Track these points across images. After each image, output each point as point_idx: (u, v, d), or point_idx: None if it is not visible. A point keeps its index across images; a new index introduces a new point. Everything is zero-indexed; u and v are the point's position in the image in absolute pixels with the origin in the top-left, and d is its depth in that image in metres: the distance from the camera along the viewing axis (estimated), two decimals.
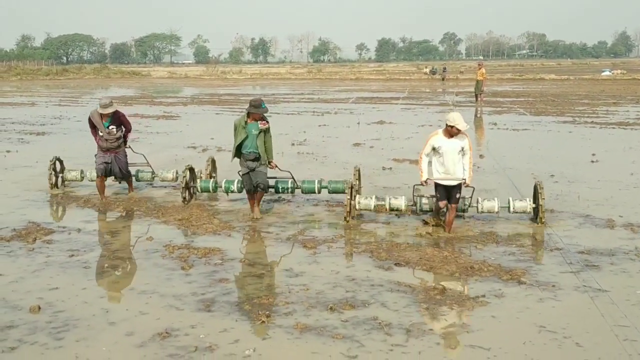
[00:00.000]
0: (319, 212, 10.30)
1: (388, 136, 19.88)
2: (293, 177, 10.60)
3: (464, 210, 9.54)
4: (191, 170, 10.84)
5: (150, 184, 12.47)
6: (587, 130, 21.28)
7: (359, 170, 10.86)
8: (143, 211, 10.37)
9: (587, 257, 7.89)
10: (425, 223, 9.41)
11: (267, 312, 6.17)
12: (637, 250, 8.14)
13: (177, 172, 11.97)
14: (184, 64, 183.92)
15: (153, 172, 12.07)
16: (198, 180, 10.92)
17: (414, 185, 9.55)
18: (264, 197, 10.38)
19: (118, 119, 11.10)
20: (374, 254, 8.02)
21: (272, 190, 10.57)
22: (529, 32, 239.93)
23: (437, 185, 9.04)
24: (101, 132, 10.99)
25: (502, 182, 12.38)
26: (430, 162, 9.04)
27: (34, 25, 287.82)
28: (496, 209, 9.43)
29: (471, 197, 9.44)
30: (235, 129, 9.70)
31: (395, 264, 7.64)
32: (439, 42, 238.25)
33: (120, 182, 11.84)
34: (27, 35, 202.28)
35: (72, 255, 8.16)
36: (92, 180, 11.61)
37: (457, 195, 8.98)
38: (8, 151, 17.18)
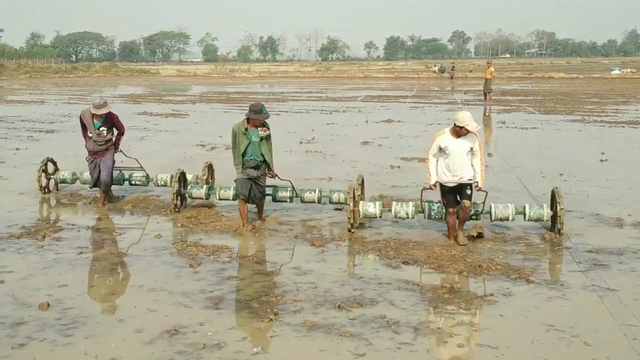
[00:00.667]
0: (327, 208, 10.28)
1: (396, 135, 19.86)
2: (293, 187, 9.93)
3: (476, 218, 8.86)
4: (182, 175, 10.24)
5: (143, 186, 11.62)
6: (597, 129, 21.20)
7: (362, 179, 9.89)
8: (152, 209, 10.40)
9: (595, 256, 7.86)
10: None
11: (275, 310, 6.18)
12: None
13: (172, 176, 10.85)
14: (192, 62, 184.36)
15: (147, 177, 11.31)
16: (190, 187, 10.29)
17: (422, 189, 9.01)
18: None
19: (110, 121, 10.46)
20: (381, 252, 8.02)
21: (270, 198, 9.92)
22: (539, 31, 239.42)
23: (443, 191, 8.45)
24: (90, 133, 10.35)
25: (511, 181, 12.35)
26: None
27: (44, 23, 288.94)
28: (511, 217, 8.77)
29: (484, 203, 8.78)
30: (235, 135, 9.08)
31: (403, 263, 7.64)
32: (448, 40, 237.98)
33: (91, 187, 10.92)
34: (37, 33, 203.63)
35: (81, 253, 8.19)
36: (84, 183, 11.17)
37: (468, 191, 8.32)
38: (17, 149, 17.26)
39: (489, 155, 15.45)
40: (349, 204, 8.77)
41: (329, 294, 6.68)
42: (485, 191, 8.51)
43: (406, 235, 8.87)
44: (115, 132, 10.63)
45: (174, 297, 6.62)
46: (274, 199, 9.91)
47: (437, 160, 8.41)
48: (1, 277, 7.21)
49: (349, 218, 8.76)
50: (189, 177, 11.02)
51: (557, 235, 8.53)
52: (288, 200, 9.93)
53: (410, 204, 9.10)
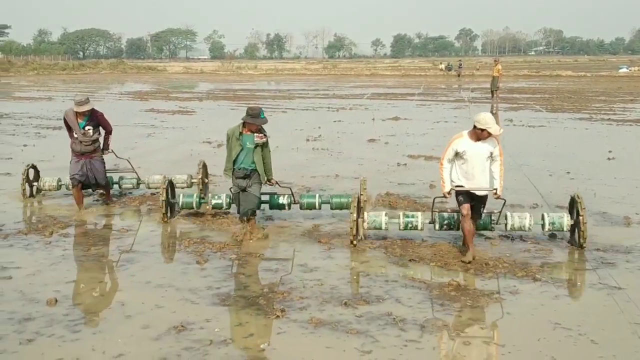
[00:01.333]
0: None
1: (403, 132, 19.83)
2: (292, 193, 9.46)
3: (490, 229, 8.32)
4: (170, 184, 9.62)
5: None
6: (604, 127, 21.14)
7: (365, 183, 9.45)
8: (159, 206, 10.39)
9: (603, 254, 7.84)
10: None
11: (282, 307, 6.19)
12: None
13: (165, 178, 10.25)
14: (199, 59, 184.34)
15: (139, 179, 11.02)
16: (180, 197, 9.58)
17: (434, 199, 8.30)
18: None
19: (95, 119, 9.95)
20: (388, 250, 8.02)
21: (266, 205, 9.42)
22: (546, 29, 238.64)
23: (458, 192, 7.76)
24: (76, 133, 9.85)
25: (518, 179, 12.31)
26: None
27: (51, 20, 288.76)
28: (527, 227, 8.16)
29: (500, 212, 8.18)
30: (228, 140, 8.47)
31: (410, 260, 7.64)
32: (455, 38, 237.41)
33: (93, 191, 10.68)
34: (44, 30, 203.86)
35: (89, 249, 8.22)
36: (69, 189, 10.53)
37: (482, 210, 7.92)
38: (25, 145, 17.33)
39: None
40: (352, 213, 8.10)
41: (336, 291, 6.69)
42: (503, 199, 7.90)
43: (413, 233, 8.86)
44: (103, 131, 10.18)
45: (181, 293, 6.64)
46: (272, 207, 9.40)
47: (451, 166, 7.73)
48: (9, 273, 7.24)
49: (351, 229, 8.08)
50: (183, 177, 10.86)
51: (579, 248, 7.89)
52: (286, 207, 9.36)
53: (419, 214, 8.38)
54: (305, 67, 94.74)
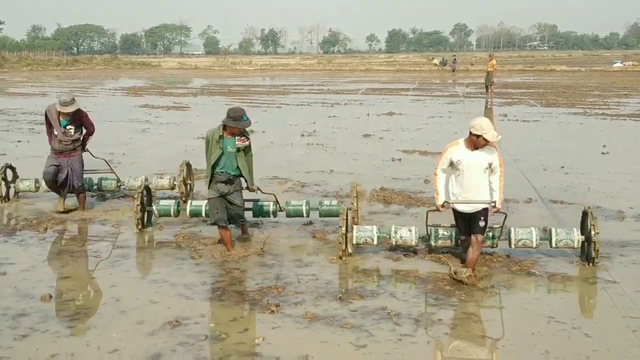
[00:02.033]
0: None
1: (398, 127, 19.84)
2: (277, 200, 8.76)
3: (492, 245, 7.50)
4: (147, 189, 8.96)
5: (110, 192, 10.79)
6: (598, 122, 21.17)
7: (356, 191, 8.90)
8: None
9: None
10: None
11: (277, 302, 6.19)
12: None
13: (145, 179, 10.15)
14: (194, 54, 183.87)
15: (118, 180, 10.49)
16: (156, 203, 8.97)
17: (427, 211, 7.54)
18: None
19: (79, 119, 9.46)
20: (382, 244, 8.01)
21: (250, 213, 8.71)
22: (540, 24, 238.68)
23: (455, 214, 7.12)
24: (56, 131, 9.35)
25: (513, 174, 12.31)
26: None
27: (45, 16, 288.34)
28: (534, 243, 7.31)
29: (502, 227, 7.41)
30: (208, 143, 7.67)
31: (404, 255, 7.64)
32: (450, 33, 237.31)
33: (65, 192, 9.75)
34: (38, 25, 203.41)
35: (83, 245, 8.22)
36: (48, 191, 10.07)
37: (482, 223, 6.89)
38: (19, 141, 17.29)
39: None
40: (340, 227, 7.41)
41: (330, 285, 6.70)
42: (504, 213, 7.27)
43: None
44: (84, 131, 9.66)
45: (176, 288, 6.64)
46: (255, 215, 8.77)
47: (446, 176, 7.00)
48: (3, 269, 7.23)
49: (339, 243, 7.44)
50: (165, 179, 10.39)
51: (591, 265, 7.14)
52: (272, 216, 8.76)
53: (414, 229, 7.57)
54: (300, 63, 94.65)
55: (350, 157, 14.41)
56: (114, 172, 10.58)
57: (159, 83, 48.41)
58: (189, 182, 10.50)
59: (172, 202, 8.93)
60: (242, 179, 7.84)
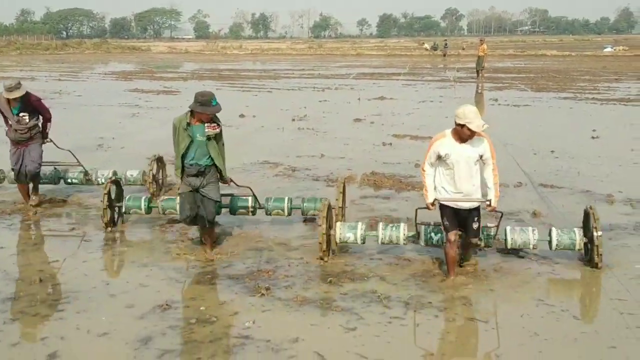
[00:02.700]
0: (318, 186, 10.28)
1: (388, 112, 19.82)
2: (254, 195, 8.07)
3: (487, 246, 7.03)
4: (116, 184, 8.48)
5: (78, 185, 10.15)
6: (588, 106, 21.22)
7: (344, 185, 8.11)
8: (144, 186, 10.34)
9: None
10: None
11: (267, 285, 6.20)
12: (637, 225, 8.16)
13: (115, 173, 9.69)
14: (184, 39, 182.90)
15: (86, 173, 9.85)
16: (126, 199, 8.26)
17: (416, 209, 6.98)
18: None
19: (31, 105, 8.89)
20: (372, 228, 8.01)
21: (226, 210, 8.13)
22: (531, 8, 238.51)
23: (443, 209, 6.42)
24: (10, 120, 8.84)
25: (502, 158, 12.31)
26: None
27: (33, 0, 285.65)
28: (532, 244, 6.87)
29: (497, 227, 6.89)
30: (175, 131, 6.94)
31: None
32: (441, 17, 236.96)
33: (26, 182, 9.20)
34: (27, 9, 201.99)
35: (73, 229, 8.19)
36: (12, 183, 9.64)
37: (475, 225, 6.44)
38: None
39: None
40: (320, 225, 6.90)
41: (320, 269, 6.71)
42: (500, 212, 6.68)
43: (398, 211, 8.87)
44: (41, 118, 9.08)
45: (166, 272, 6.64)
46: (232, 212, 8.15)
47: (435, 171, 6.40)
48: None
49: (320, 244, 6.87)
50: (134, 173, 9.84)
51: (595, 269, 6.62)
52: (250, 213, 8.15)
53: (402, 227, 7.05)
54: (290, 47, 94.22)
55: (341, 142, 14.40)
56: (81, 165, 9.97)
57: (149, 67, 48.14)
58: (160, 178, 9.92)
59: (144, 199, 8.27)
60: (215, 168, 7.13)
